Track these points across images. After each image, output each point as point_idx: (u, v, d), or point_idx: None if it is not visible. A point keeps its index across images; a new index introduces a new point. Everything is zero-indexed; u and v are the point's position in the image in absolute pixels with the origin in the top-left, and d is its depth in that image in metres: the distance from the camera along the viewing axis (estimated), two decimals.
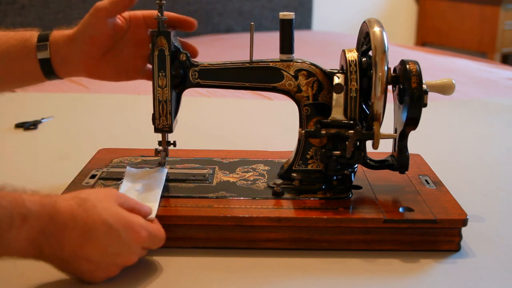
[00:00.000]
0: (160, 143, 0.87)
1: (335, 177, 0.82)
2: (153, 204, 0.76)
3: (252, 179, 0.87)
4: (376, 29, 0.79)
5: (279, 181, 0.82)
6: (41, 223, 0.61)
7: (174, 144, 0.87)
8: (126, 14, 0.88)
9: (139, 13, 0.88)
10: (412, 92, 0.77)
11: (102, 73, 0.88)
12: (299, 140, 0.86)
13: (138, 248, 0.68)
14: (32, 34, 0.87)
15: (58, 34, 0.87)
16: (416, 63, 0.79)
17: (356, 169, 0.85)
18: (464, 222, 0.76)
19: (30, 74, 0.87)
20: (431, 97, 0.79)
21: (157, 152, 0.87)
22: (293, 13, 0.83)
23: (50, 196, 0.65)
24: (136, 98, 1.58)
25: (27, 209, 0.61)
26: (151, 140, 0.91)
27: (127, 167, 0.88)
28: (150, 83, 0.85)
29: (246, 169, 0.91)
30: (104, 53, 0.87)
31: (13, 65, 0.87)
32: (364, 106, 0.82)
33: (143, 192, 0.80)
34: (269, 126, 1.33)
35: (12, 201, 0.61)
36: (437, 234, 0.76)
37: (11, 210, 0.60)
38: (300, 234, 0.76)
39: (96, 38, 0.85)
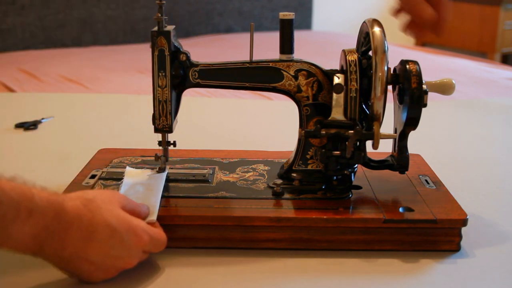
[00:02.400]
0: (160, 143, 0.87)
1: (335, 177, 0.82)
2: (153, 206, 0.76)
3: (252, 179, 0.87)
4: (376, 29, 0.79)
5: (279, 181, 0.82)
6: (46, 219, 0.61)
7: (174, 144, 0.87)
8: None
9: None
10: (412, 92, 0.77)
11: None
12: (299, 140, 0.86)
13: (139, 252, 0.68)
14: None
15: None
16: (416, 63, 0.79)
17: (356, 169, 0.85)
18: (464, 222, 0.76)
19: None
20: (431, 97, 0.79)
21: (157, 157, 0.87)
22: (293, 13, 0.83)
23: (57, 194, 0.65)
24: (136, 98, 1.58)
25: (35, 204, 0.61)
26: (151, 140, 0.91)
27: (127, 167, 0.88)
28: (150, 83, 0.85)
29: (246, 169, 0.91)
30: None
31: None
32: (364, 106, 0.82)
33: (143, 193, 0.80)
34: (269, 126, 1.33)
35: (21, 194, 0.60)
36: (437, 234, 0.76)
37: (19, 202, 0.60)
38: (300, 234, 0.76)
39: None
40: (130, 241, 0.66)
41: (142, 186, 0.82)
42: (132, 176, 0.86)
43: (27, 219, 0.60)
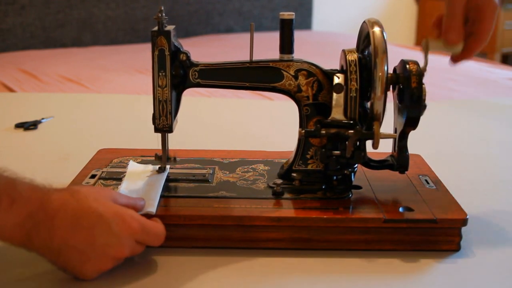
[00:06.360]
0: (160, 157, 0.86)
1: (335, 177, 0.82)
2: (153, 199, 0.76)
3: (252, 179, 0.87)
4: (376, 29, 0.79)
5: (279, 181, 0.82)
6: (30, 208, 0.62)
7: (175, 159, 0.86)
8: None
9: None
10: (412, 92, 0.77)
11: None
12: (299, 140, 0.86)
13: (130, 240, 0.67)
14: None
15: None
16: (416, 63, 0.79)
17: (356, 169, 0.85)
18: (464, 222, 0.76)
19: None
20: (431, 97, 0.78)
21: (157, 157, 0.87)
22: (293, 13, 0.83)
23: (44, 185, 0.65)
24: (136, 98, 1.58)
25: (17, 193, 0.61)
26: (151, 140, 0.91)
27: (130, 161, 0.89)
28: (150, 83, 0.85)
29: (246, 169, 0.91)
30: None
31: None
32: (364, 106, 0.82)
33: (144, 188, 0.80)
34: (269, 126, 1.33)
35: (3, 183, 0.61)
36: (437, 234, 0.76)
37: (0, 191, 0.61)
38: (300, 234, 0.76)
39: None
40: (118, 228, 0.65)
41: (143, 183, 0.82)
42: (135, 171, 0.86)
43: (9, 207, 0.61)
